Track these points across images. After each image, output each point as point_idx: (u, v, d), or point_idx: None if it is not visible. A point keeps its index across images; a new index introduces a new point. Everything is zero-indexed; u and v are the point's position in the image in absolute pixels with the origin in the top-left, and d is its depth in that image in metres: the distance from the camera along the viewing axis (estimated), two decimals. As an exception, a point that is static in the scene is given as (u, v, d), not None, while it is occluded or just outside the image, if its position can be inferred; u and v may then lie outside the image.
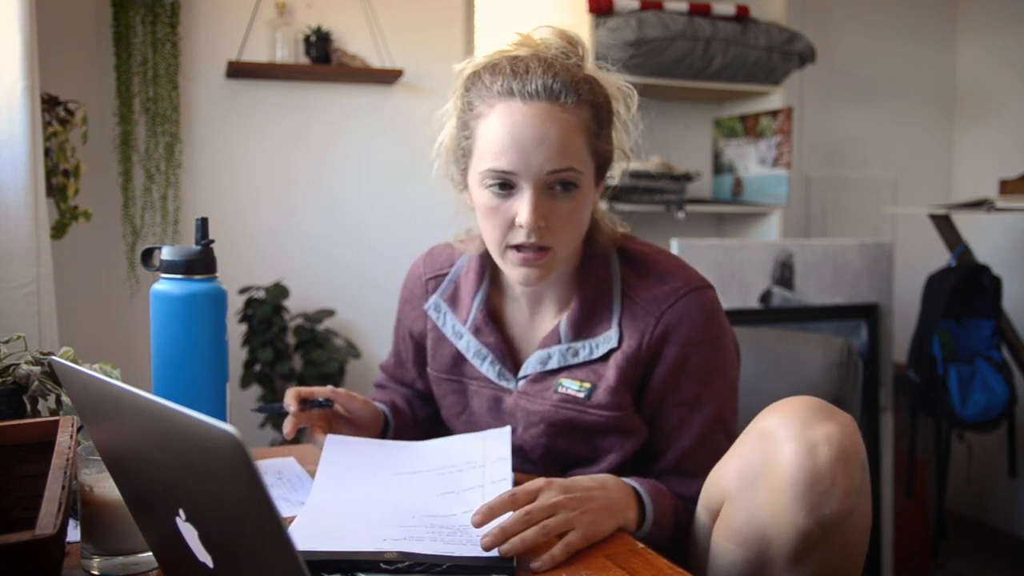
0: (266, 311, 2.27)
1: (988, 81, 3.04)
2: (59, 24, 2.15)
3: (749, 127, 2.60)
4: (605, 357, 1.02)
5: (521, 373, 1.07)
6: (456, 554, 0.77)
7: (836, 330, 2.29)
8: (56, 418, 0.81)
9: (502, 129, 0.93)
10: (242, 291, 2.31)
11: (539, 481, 0.85)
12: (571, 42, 1.01)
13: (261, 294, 2.31)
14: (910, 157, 3.09)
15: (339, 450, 1.03)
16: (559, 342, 1.04)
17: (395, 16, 2.47)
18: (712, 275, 1.25)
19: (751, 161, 2.60)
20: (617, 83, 1.02)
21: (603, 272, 1.05)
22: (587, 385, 1.02)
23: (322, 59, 2.35)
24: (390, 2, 2.46)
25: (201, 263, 0.95)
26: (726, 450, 0.88)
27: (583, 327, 1.03)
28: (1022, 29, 2.89)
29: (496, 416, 1.09)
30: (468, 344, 1.10)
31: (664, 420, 1.03)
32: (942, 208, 2.49)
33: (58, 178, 1.79)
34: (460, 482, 0.95)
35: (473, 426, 1.13)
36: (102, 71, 2.23)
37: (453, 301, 1.14)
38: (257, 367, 2.29)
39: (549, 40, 1.00)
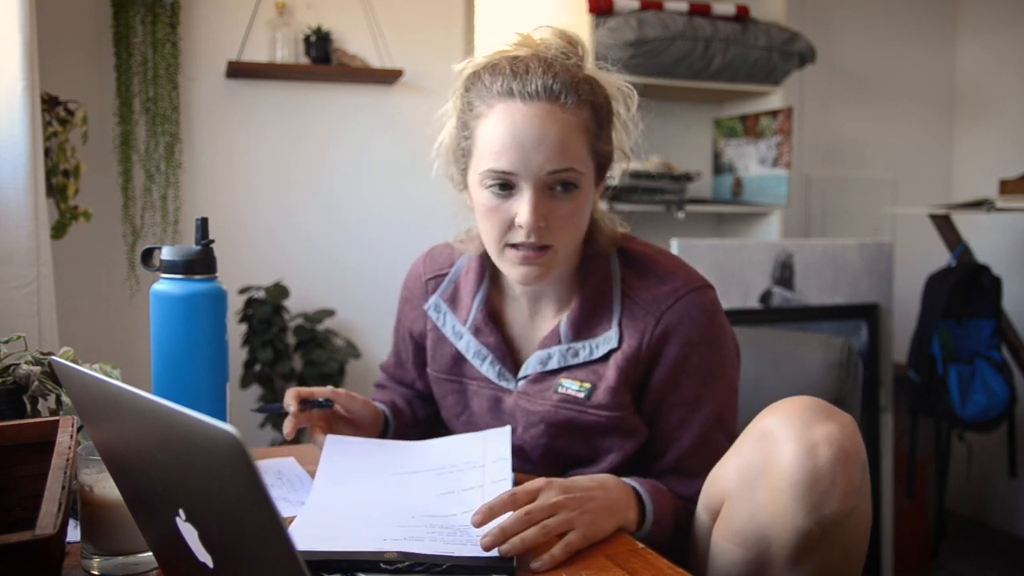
0: (266, 311, 2.28)
1: (988, 81, 3.04)
2: (59, 24, 2.15)
3: (749, 127, 2.60)
4: (605, 357, 1.02)
5: (521, 373, 1.07)
6: (456, 554, 0.77)
7: (836, 330, 2.29)
8: (56, 418, 0.81)
9: (502, 129, 0.93)
10: (242, 291, 2.31)
11: (539, 481, 0.85)
12: (571, 42, 1.01)
13: (261, 294, 2.31)
14: (910, 157, 3.09)
15: (339, 450, 1.03)
16: (559, 342, 1.04)
17: (395, 16, 2.47)
18: (712, 275, 1.25)
19: (751, 161, 2.60)
20: (617, 83, 1.02)
21: (603, 272, 1.05)
22: (587, 385, 1.02)
23: (322, 59, 2.35)
24: (390, 2, 2.46)
25: (201, 263, 0.95)
26: (726, 450, 0.88)
27: (583, 327, 1.03)
28: (1022, 29, 2.89)
29: (496, 416, 1.09)
30: (468, 344, 1.10)
31: (664, 420, 1.03)
32: (942, 208, 2.49)
33: (58, 178, 1.79)
34: (460, 482, 0.95)
35: (473, 426, 1.13)
36: (102, 71, 2.23)
37: (453, 301, 1.14)
38: (257, 367, 2.29)
39: (549, 40, 1.00)
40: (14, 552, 0.52)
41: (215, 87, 2.34)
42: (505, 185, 0.95)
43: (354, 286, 2.49)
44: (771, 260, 2.26)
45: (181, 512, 0.53)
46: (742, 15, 2.41)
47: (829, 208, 2.96)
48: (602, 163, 1.01)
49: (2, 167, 1.53)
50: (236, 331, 2.29)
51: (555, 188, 0.95)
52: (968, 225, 2.61)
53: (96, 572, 0.74)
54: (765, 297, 2.25)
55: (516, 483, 0.88)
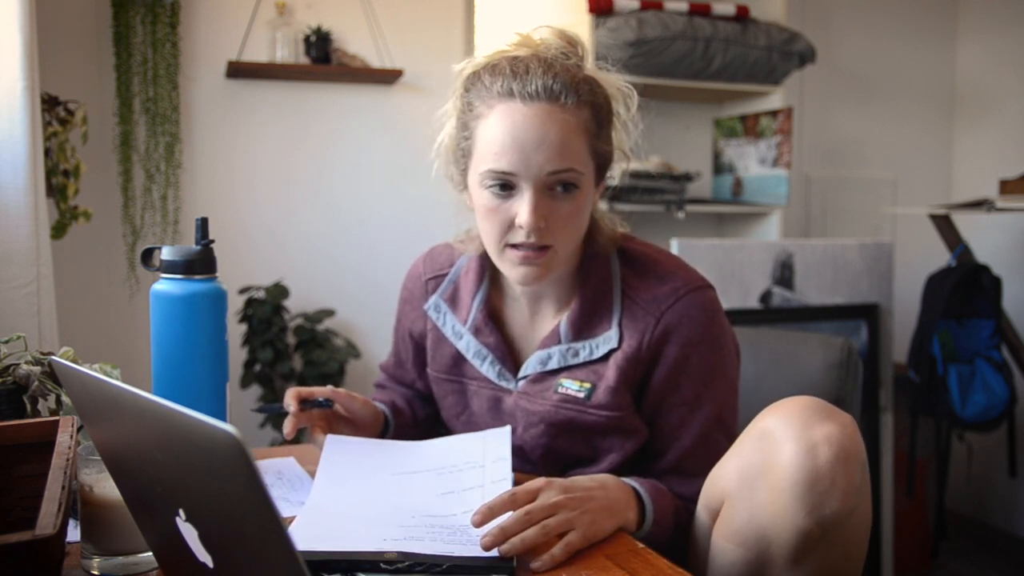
0: (266, 311, 2.28)
1: (988, 81, 3.04)
2: (59, 24, 2.15)
3: (749, 127, 2.60)
4: (605, 357, 1.02)
5: (521, 373, 1.07)
6: (456, 554, 0.77)
7: (836, 330, 2.29)
8: (56, 418, 0.81)
9: (502, 130, 0.93)
10: (242, 291, 2.31)
11: (539, 481, 0.85)
12: (571, 42, 1.01)
13: (261, 294, 2.31)
14: (910, 157, 3.09)
15: (339, 450, 1.03)
16: (559, 342, 1.04)
17: (395, 16, 2.47)
18: (712, 275, 1.25)
19: (751, 161, 2.60)
20: (617, 83, 1.02)
21: (603, 272, 1.05)
22: (587, 385, 1.02)
23: (322, 59, 2.35)
24: (390, 2, 2.46)
25: (201, 263, 0.95)
26: (726, 450, 0.88)
27: (583, 327, 1.03)
28: (1022, 29, 2.89)
29: (496, 416, 1.09)
30: (468, 344, 1.10)
31: (664, 420, 1.02)
32: (942, 208, 2.49)
33: (58, 178, 1.79)
34: (460, 482, 0.95)
35: (473, 426, 1.13)
36: (102, 71, 2.23)
37: (453, 301, 1.14)
38: (257, 367, 2.29)
39: (549, 40, 1.00)
40: (14, 552, 0.52)
41: (215, 87, 2.34)
42: (505, 185, 0.95)
43: (354, 286, 2.49)
44: (771, 260, 2.26)
45: (181, 512, 0.53)
46: (742, 15, 2.41)
47: (829, 208, 2.96)
48: (602, 163, 1.01)
49: (2, 167, 1.53)
50: (236, 331, 2.29)
51: (555, 188, 0.95)
52: (968, 225, 2.61)
53: (96, 572, 0.74)
54: (765, 297, 2.25)
55: (516, 483, 0.88)
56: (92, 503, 0.74)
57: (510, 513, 0.81)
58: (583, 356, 1.03)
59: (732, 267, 2.21)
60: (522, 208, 0.94)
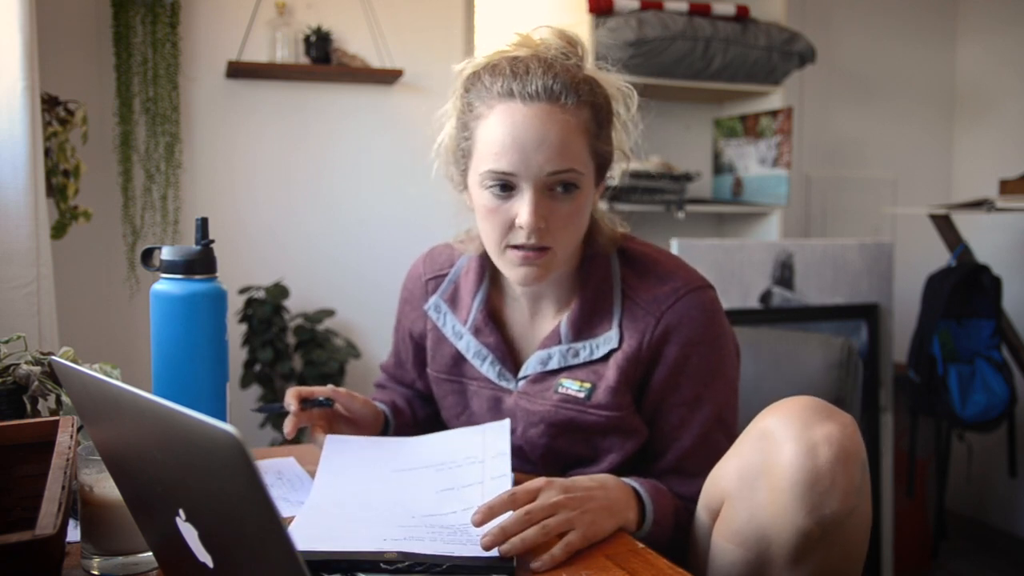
0: (266, 311, 2.28)
1: (988, 81, 3.04)
2: (59, 24, 2.15)
3: (749, 127, 2.60)
4: (605, 357, 1.02)
5: (521, 373, 1.07)
6: (456, 554, 0.77)
7: (836, 330, 2.29)
8: (56, 418, 0.81)
9: (502, 130, 0.93)
10: (242, 291, 2.31)
11: (539, 481, 0.85)
12: (571, 42, 1.01)
13: (261, 294, 2.31)
14: (910, 157, 3.09)
15: (339, 450, 1.03)
16: (559, 342, 1.04)
17: (395, 16, 2.47)
18: (712, 275, 1.25)
19: (751, 161, 2.60)
20: (617, 83, 1.02)
21: (603, 272, 1.05)
22: (587, 385, 1.02)
23: (322, 59, 2.35)
24: (390, 2, 2.46)
25: (201, 263, 0.95)
26: (726, 450, 0.88)
27: (583, 327, 1.03)
28: (1022, 29, 2.89)
29: (496, 416, 1.09)
30: (468, 344, 1.10)
31: (664, 420, 1.03)
32: (942, 208, 2.49)
33: (58, 178, 1.79)
34: (459, 478, 0.95)
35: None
36: (102, 71, 2.23)
37: (453, 301, 1.14)
38: (257, 367, 2.29)
39: (549, 40, 1.00)
40: (14, 552, 0.52)
41: (215, 87, 2.34)
42: (505, 186, 0.95)
43: (354, 286, 2.49)
44: (771, 260, 2.26)
45: (181, 512, 0.53)
46: (742, 15, 2.41)
47: (829, 208, 2.96)
48: (602, 163, 1.01)
49: (2, 167, 1.53)
50: (236, 331, 2.29)
51: (555, 189, 0.95)
52: (968, 225, 2.61)
53: (96, 572, 0.74)
54: (765, 297, 2.25)
55: (516, 483, 0.88)
56: (92, 503, 0.74)
57: (510, 513, 0.81)
58: (583, 356, 1.03)
59: (732, 267, 2.21)
60: (522, 209, 0.94)
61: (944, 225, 2.53)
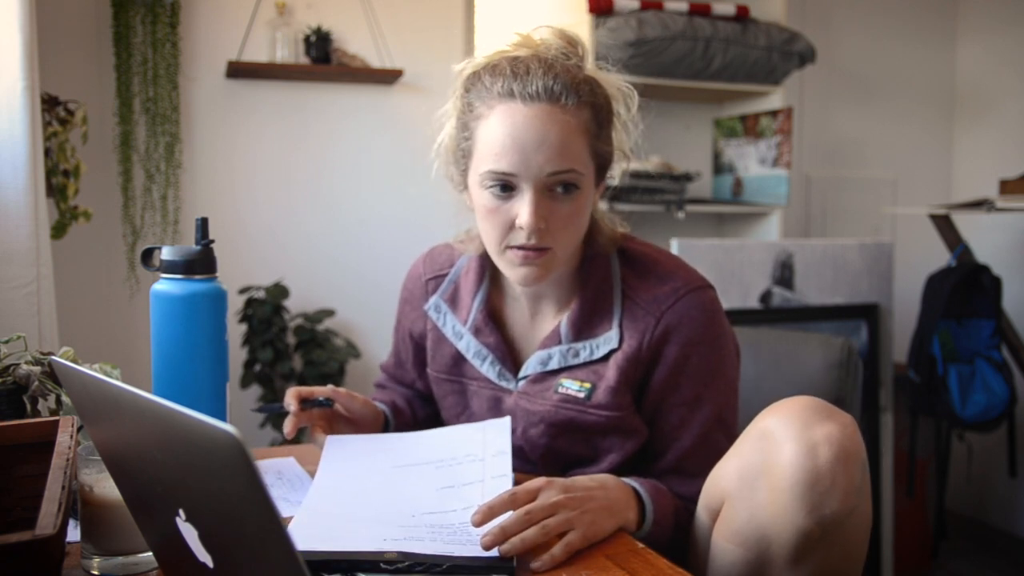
0: (266, 311, 2.28)
1: (988, 81, 3.04)
2: (59, 24, 2.15)
3: (749, 127, 2.60)
4: (605, 357, 1.02)
5: (521, 373, 1.07)
6: (456, 554, 0.77)
7: (836, 330, 2.29)
8: (56, 418, 0.81)
9: (502, 131, 0.93)
10: (242, 291, 2.31)
11: (539, 480, 0.85)
12: (571, 42, 1.01)
13: (261, 294, 2.31)
14: (910, 157, 3.09)
15: (339, 450, 1.03)
16: (559, 342, 1.04)
17: (395, 16, 2.47)
18: (712, 275, 1.25)
19: (751, 161, 2.60)
20: (617, 84, 1.02)
21: (603, 272, 1.05)
22: (587, 385, 1.02)
23: (322, 59, 2.35)
24: (390, 2, 2.46)
25: (201, 263, 0.95)
26: (726, 450, 0.88)
27: (583, 327, 1.03)
28: (1022, 29, 2.89)
29: (496, 416, 1.09)
30: (468, 344, 1.10)
31: (664, 420, 1.03)
32: (942, 208, 2.49)
33: (58, 178, 1.79)
34: (460, 476, 0.95)
35: (473, 426, 1.12)
36: (102, 71, 2.23)
37: (453, 301, 1.14)
38: (257, 367, 2.29)
39: (549, 40, 1.00)
40: (14, 552, 0.52)
41: (215, 87, 2.34)
42: (505, 186, 0.95)
43: (354, 286, 2.49)
44: (771, 260, 2.26)
45: (181, 512, 0.53)
46: (742, 15, 2.41)
47: (829, 208, 2.96)
48: (602, 164, 1.01)
49: (2, 167, 1.53)
50: (236, 331, 2.29)
51: (555, 189, 0.95)
52: (968, 225, 2.61)
53: (96, 572, 0.74)
54: (765, 297, 2.25)
55: (516, 483, 0.88)
56: (92, 503, 0.74)
57: (510, 513, 0.81)
58: (583, 356, 1.03)
59: (732, 267, 2.21)
60: (522, 209, 0.94)
61: (944, 225, 2.53)
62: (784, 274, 2.27)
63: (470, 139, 0.99)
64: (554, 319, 1.07)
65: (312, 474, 0.99)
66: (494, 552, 0.77)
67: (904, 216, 2.99)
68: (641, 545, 0.84)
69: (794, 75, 2.60)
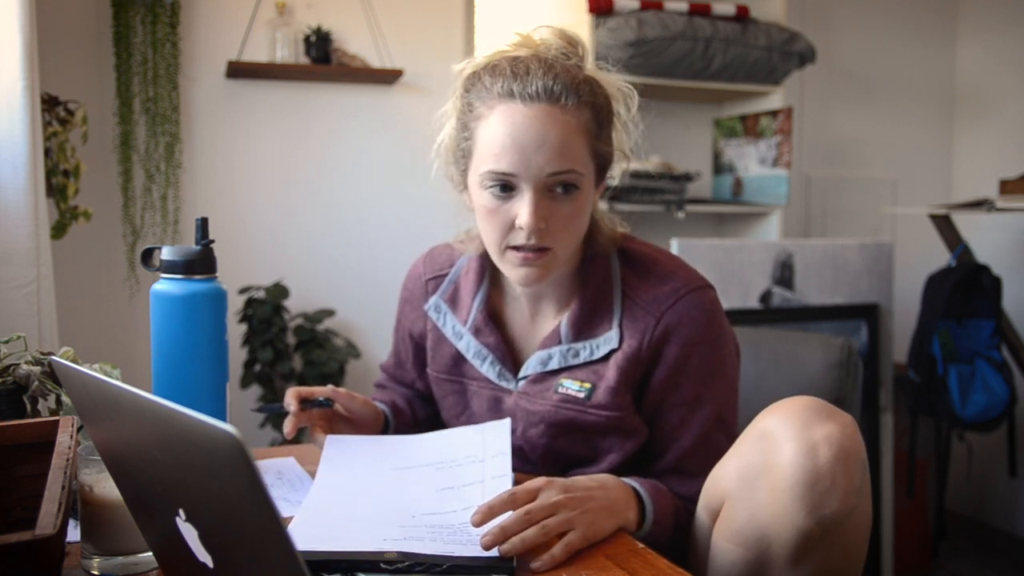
0: (266, 311, 2.27)
1: (988, 81, 3.04)
2: (59, 24, 2.15)
3: (749, 127, 2.60)
4: (606, 357, 1.02)
5: (521, 373, 1.07)
6: (456, 554, 0.77)
7: (836, 330, 2.29)
8: (56, 418, 0.81)
9: (502, 131, 0.93)
10: (242, 291, 2.31)
11: (539, 480, 0.85)
12: (571, 42, 1.01)
13: (261, 294, 2.31)
14: (910, 157, 3.09)
15: (339, 450, 1.03)
16: (560, 343, 1.04)
17: (395, 16, 2.47)
18: (712, 275, 1.25)
19: (751, 161, 2.60)
20: (617, 84, 1.02)
21: (603, 272, 1.05)
22: (587, 385, 1.02)
23: (322, 59, 2.35)
24: (390, 2, 2.46)
25: (201, 263, 0.95)
26: (726, 450, 0.88)
27: (583, 328, 1.03)
28: (1022, 29, 2.89)
29: (496, 417, 1.09)
30: (468, 344, 1.10)
31: (664, 420, 1.03)
32: (942, 208, 2.49)
33: (58, 178, 1.79)
34: (460, 477, 0.95)
35: (473, 426, 1.12)
36: (102, 71, 2.23)
37: (453, 301, 1.14)
38: (257, 367, 2.29)
39: (549, 40, 1.00)
40: (14, 552, 0.52)
41: (215, 87, 2.34)
42: (505, 187, 0.95)
43: (354, 286, 2.49)
44: (771, 260, 2.26)
45: (181, 512, 0.53)
46: (742, 15, 2.41)
47: (829, 208, 2.96)
48: (602, 164, 1.01)
49: (2, 167, 1.53)
50: (236, 331, 2.29)
51: (555, 190, 0.95)
52: (968, 225, 2.61)
53: (96, 572, 0.74)
54: (765, 297, 2.25)
55: (516, 483, 0.88)
56: (92, 503, 0.74)
57: (510, 513, 0.81)
58: (583, 356, 1.03)
59: (732, 267, 2.21)
60: (522, 209, 0.94)
61: (944, 225, 2.53)
62: (784, 274, 2.27)
63: (470, 139, 0.99)
64: (554, 319, 1.07)
65: (312, 474, 0.99)
66: (494, 552, 0.77)
67: (904, 216, 2.99)
68: (641, 545, 0.84)
69: (794, 75, 2.60)
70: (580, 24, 2.23)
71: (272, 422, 2.22)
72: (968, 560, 2.75)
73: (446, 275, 1.17)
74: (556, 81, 0.93)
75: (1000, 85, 2.99)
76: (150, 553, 0.74)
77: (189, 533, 0.53)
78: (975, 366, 2.37)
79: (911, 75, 3.08)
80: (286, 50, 2.34)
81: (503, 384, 1.08)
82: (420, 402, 1.26)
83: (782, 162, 2.47)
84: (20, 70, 1.53)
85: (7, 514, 0.78)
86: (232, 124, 2.36)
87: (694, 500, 0.94)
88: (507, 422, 1.03)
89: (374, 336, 2.48)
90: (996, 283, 2.39)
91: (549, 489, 0.84)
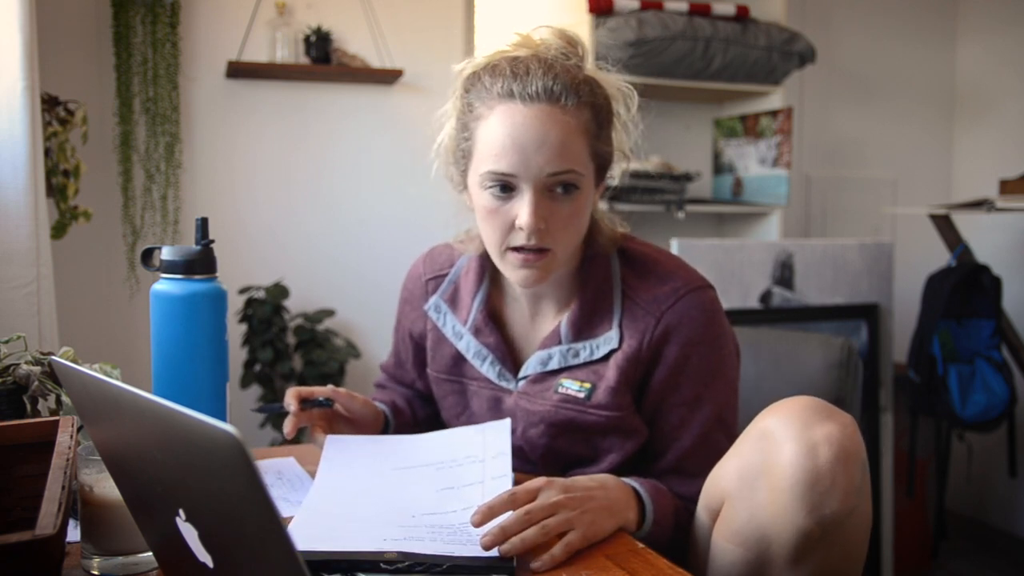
0: (266, 311, 2.27)
1: (988, 81, 3.04)
2: (59, 24, 2.15)
3: (749, 127, 2.60)
4: (606, 357, 1.02)
5: (521, 373, 1.07)
6: (456, 554, 0.77)
7: (836, 330, 2.29)
8: (56, 418, 0.81)
9: (502, 131, 0.93)
10: (242, 291, 2.31)
11: (539, 480, 0.85)
12: (571, 42, 1.00)
13: (261, 294, 2.31)
14: (910, 157, 3.09)
15: (339, 450, 1.03)
16: (560, 343, 1.04)
17: (395, 16, 2.47)
18: (712, 275, 1.25)
19: (751, 161, 2.60)
20: (617, 84, 1.02)
21: (603, 273, 1.05)
22: (587, 385, 1.02)
23: (322, 59, 2.35)
24: (390, 2, 2.46)
25: (201, 263, 0.95)
26: (726, 450, 0.88)
27: (584, 328, 1.03)
28: (1022, 29, 2.89)
29: (496, 417, 1.09)
30: (468, 344, 1.10)
31: (664, 420, 1.03)
32: (942, 208, 2.49)
33: (58, 178, 1.79)
34: (460, 477, 0.95)
35: (473, 426, 1.12)
36: (102, 71, 2.23)
37: (453, 302, 1.14)
38: (257, 367, 2.29)
39: (549, 40, 1.00)
40: (14, 552, 0.52)
41: (215, 87, 2.34)
42: (505, 187, 0.95)
43: (354, 286, 2.49)
44: (771, 260, 2.26)
45: (181, 512, 0.53)
46: (742, 15, 2.41)
47: (829, 208, 2.96)
48: (602, 164, 1.01)
49: (2, 167, 1.53)
50: (236, 331, 2.29)
51: (555, 190, 0.95)
52: (968, 225, 2.61)
53: (96, 572, 0.74)
54: (765, 297, 2.25)
55: (516, 483, 0.88)
56: (92, 503, 0.74)
57: (510, 513, 0.81)
58: (583, 356, 1.03)
59: (732, 267, 2.21)
60: (522, 210, 0.94)
61: (944, 225, 2.53)
62: (784, 274, 2.27)
63: (470, 139, 0.99)
64: (554, 319, 1.07)
65: (312, 474, 0.99)
66: (494, 552, 0.77)
67: (904, 216, 2.99)
68: (641, 545, 0.84)
69: (794, 75, 2.60)
70: (580, 24, 2.23)
71: (272, 422, 2.22)
72: (968, 560, 2.75)
73: (446, 275, 1.17)
74: (556, 81, 0.93)
75: (1000, 85, 2.99)
76: (150, 553, 0.74)
77: (189, 533, 0.53)
78: (975, 366, 2.37)
79: (911, 75, 3.08)
80: (286, 50, 2.34)
81: (503, 384, 1.08)
82: (420, 402, 1.26)
83: (782, 162, 2.47)
84: (20, 70, 1.53)
85: (7, 514, 0.78)
86: (232, 124, 2.36)
87: (694, 500, 0.94)
88: (507, 422, 1.03)
89: (374, 336, 2.48)
90: (996, 283, 2.39)
91: (549, 489, 0.84)
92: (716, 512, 0.87)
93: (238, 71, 2.30)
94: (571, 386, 1.02)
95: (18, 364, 0.99)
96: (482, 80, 0.97)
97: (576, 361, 1.03)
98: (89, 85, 2.20)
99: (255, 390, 2.32)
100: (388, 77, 2.42)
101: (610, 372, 1.01)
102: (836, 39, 2.93)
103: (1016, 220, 2.78)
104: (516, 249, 0.97)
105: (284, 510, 0.89)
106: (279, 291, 2.30)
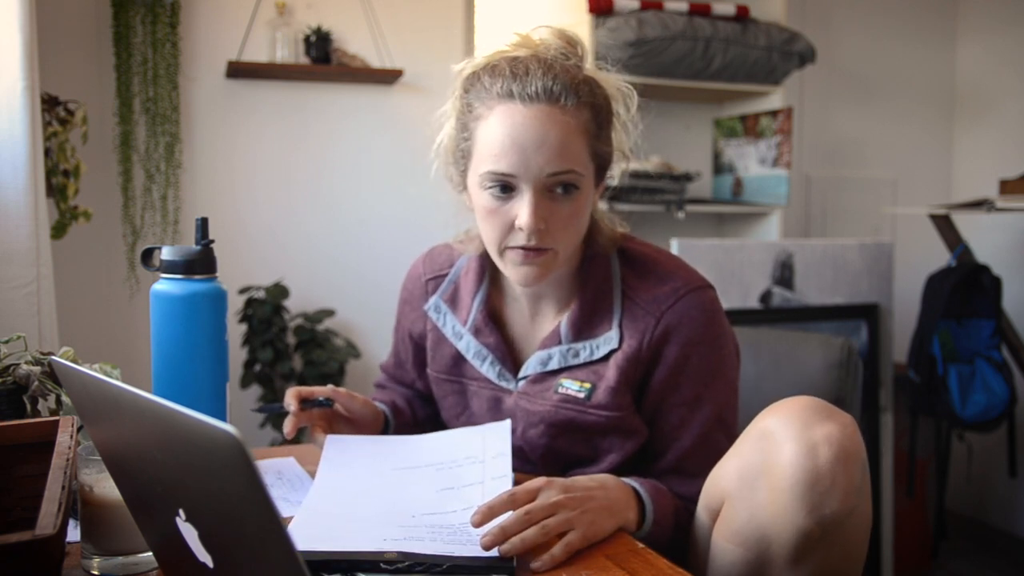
0: (266, 311, 2.28)
1: (988, 81, 3.04)
2: (59, 24, 2.15)
3: (749, 127, 2.60)
4: (606, 357, 1.02)
5: (521, 373, 1.07)
6: (456, 554, 0.77)
7: (836, 330, 2.29)
8: (56, 418, 0.81)
9: (502, 131, 0.93)
10: (242, 291, 2.31)
11: (539, 480, 0.85)
12: (571, 42, 1.00)
13: (261, 294, 2.31)
14: (910, 157, 3.09)
15: (339, 450, 1.03)
16: (559, 343, 1.04)
17: (395, 16, 2.47)
18: (712, 275, 1.25)
19: (751, 161, 2.60)
20: (617, 84, 1.02)
21: (603, 273, 1.05)
22: (587, 385, 1.02)
23: (322, 59, 2.35)
24: (390, 2, 2.46)
25: (201, 263, 0.95)
26: (726, 450, 0.88)
27: (583, 328, 1.03)
28: (1022, 29, 2.89)
29: (496, 417, 1.09)
30: (468, 345, 1.10)
31: (664, 420, 1.03)
32: (942, 208, 2.49)
33: (58, 178, 1.79)
34: (460, 478, 0.95)
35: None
36: (102, 71, 2.23)
37: (453, 302, 1.14)
38: (257, 367, 2.29)
39: (548, 40, 1.00)
40: (14, 552, 0.52)
41: (215, 87, 2.34)
42: (505, 187, 0.95)
43: (354, 286, 2.49)
44: (771, 260, 2.26)
45: (181, 512, 0.53)
46: (742, 15, 2.41)
47: (829, 208, 2.96)
48: (602, 164, 1.01)
49: (2, 167, 1.53)
50: (236, 331, 2.29)
51: (555, 190, 0.95)
52: (968, 225, 2.61)
53: (96, 572, 0.74)
54: (765, 297, 2.25)
55: (516, 483, 0.88)
56: (92, 503, 0.74)
57: (510, 513, 0.81)
58: (583, 356, 1.03)
59: (732, 267, 2.21)
60: (522, 210, 0.94)
61: (944, 225, 2.53)
62: (784, 274, 2.27)
63: (469, 140, 0.99)
64: (554, 319, 1.07)
65: (312, 474, 0.99)
66: (494, 552, 0.77)
67: (904, 216, 2.99)
68: (641, 545, 0.84)
69: (794, 75, 2.60)
70: (580, 24, 2.23)
71: (272, 422, 2.22)
72: (968, 560, 2.75)
73: (446, 275, 1.17)
74: (556, 81, 0.93)
75: (1000, 85, 2.99)
76: (150, 553, 0.74)
77: (189, 533, 0.53)
78: (975, 366, 2.37)
79: (911, 75, 3.08)
80: (286, 50, 2.34)
81: (503, 384, 1.08)
82: (420, 402, 1.26)
83: (782, 162, 2.47)
84: (20, 70, 1.53)
85: (7, 514, 0.78)
86: (232, 124, 2.36)
87: (694, 500, 0.94)
88: (507, 423, 1.03)
89: (374, 336, 2.48)
90: (996, 283, 2.39)
91: (549, 489, 0.84)
92: (716, 512, 0.87)
93: (238, 71, 2.30)
94: (571, 386, 1.02)
95: (18, 364, 0.99)
96: (482, 80, 0.97)
97: (576, 361, 1.03)
98: (89, 85, 2.20)
99: (255, 390, 2.32)
100: (388, 77, 2.42)
101: (610, 372, 1.01)
102: (836, 39, 2.93)
103: (1016, 220, 2.78)
104: (516, 248, 0.97)
105: (284, 510, 0.89)
106: (279, 291, 2.30)
